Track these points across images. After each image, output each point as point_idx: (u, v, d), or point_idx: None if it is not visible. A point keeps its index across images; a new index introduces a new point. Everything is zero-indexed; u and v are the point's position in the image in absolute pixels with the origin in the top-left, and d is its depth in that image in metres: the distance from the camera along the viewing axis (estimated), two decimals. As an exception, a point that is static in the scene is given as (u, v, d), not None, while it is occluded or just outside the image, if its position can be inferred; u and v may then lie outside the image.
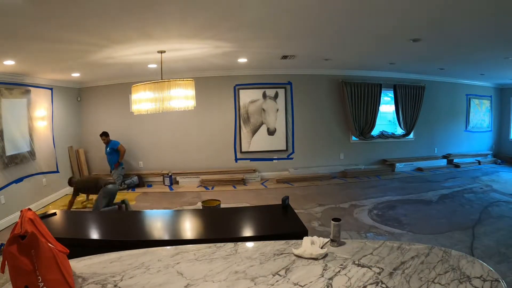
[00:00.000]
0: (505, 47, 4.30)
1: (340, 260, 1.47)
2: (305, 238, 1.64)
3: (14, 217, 4.58)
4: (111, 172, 6.21)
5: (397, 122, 7.65)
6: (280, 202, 2.80)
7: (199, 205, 4.71)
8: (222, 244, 1.67)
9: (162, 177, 6.65)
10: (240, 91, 6.83)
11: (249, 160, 7.01)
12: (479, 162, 8.11)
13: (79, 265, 1.47)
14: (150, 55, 4.16)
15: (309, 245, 1.56)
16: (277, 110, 6.94)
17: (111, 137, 6.25)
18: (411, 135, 7.85)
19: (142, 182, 6.63)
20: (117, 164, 6.13)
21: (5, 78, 4.62)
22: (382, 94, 7.26)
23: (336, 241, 1.62)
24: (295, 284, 1.28)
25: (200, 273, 1.38)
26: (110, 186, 4.54)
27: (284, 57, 5.07)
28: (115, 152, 6.14)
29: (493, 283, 1.23)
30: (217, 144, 6.90)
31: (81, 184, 4.79)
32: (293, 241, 1.68)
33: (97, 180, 4.64)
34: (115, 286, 1.30)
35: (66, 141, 6.35)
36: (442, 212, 4.69)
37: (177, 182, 6.69)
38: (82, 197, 5.32)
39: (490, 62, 5.44)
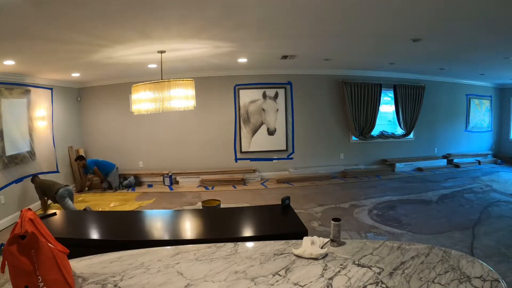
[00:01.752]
0: (505, 47, 4.30)
1: (340, 260, 1.47)
2: (305, 238, 1.64)
3: (14, 217, 4.58)
4: (107, 176, 6.23)
5: (397, 122, 7.64)
6: (280, 202, 2.80)
7: (199, 205, 4.71)
8: (222, 244, 1.67)
9: (162, 177, 6.65)
10: (240, 91, 6.83)
11: (249, 160, 7.01)
12: (479, 162, 8.10)
13: (79, 265, 1.47)
14: (150, 55, 4.16)
15: (309, 245, 1.56)
16: (277, 110, 6.94)
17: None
18: (411, 135, 7.85)
19: (138, 181, 6.64)
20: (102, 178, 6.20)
21: (5, 78, 4.62)
22: (382, 94, 7.26)
23: (336, 241, 1.62)
24: (295, 284, 1.28)
25: (200, 273, 1.38)
26: (60, 191, 4.58)
27: (284, 57, 5.07)
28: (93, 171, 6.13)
29: (493, 283, 1.23)
30: (217, 144, 6.90)
31: (40, 186, 4.79)
32: (293, 241, 1.68)
33: (50, 186, 4.70)
34: (115, 286, 1.30)
35: (66, 141, 6.35)
36: (442, 212, 4.69)
37: (177, 182, 6.69)
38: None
39: (490, 62, 5.44)
